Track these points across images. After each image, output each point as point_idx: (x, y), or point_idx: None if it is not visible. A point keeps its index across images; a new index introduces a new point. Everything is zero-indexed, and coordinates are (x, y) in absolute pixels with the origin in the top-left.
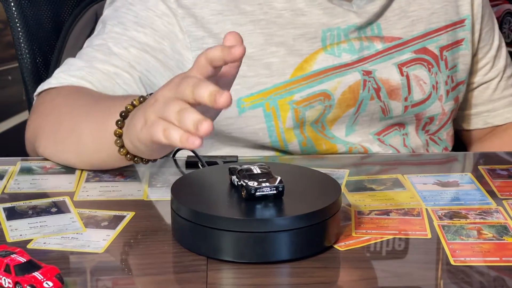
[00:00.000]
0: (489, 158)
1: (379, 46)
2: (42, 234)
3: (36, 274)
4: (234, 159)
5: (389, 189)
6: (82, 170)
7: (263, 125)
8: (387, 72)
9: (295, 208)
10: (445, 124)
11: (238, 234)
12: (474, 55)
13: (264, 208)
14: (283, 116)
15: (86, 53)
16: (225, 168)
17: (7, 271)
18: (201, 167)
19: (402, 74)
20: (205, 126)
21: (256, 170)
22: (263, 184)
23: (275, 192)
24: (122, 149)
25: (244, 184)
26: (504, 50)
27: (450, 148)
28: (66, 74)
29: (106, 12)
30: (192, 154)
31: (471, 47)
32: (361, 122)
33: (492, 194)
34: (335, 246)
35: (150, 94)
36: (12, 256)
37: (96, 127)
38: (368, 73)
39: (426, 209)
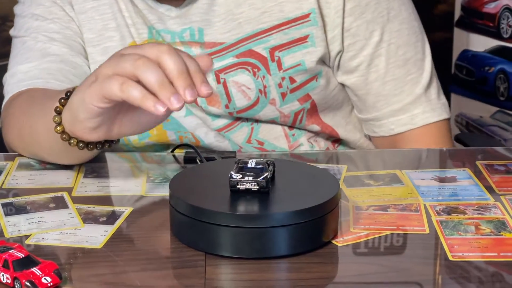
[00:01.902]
0: (487, 154)
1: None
2: (40, 229)
3: (35, 269)
4: (232, 155)
5: (387, 185)
6: (80, 165)
7: None
8: None
9: (293, 203)
10: (294, 124)
11: (236, 229)
12: (341, 51)
13: (262, 203)
14: None
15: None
16: (223, 163)
17: (5, 266)
18: (199, 163)
19: (218, 82)
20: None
21: (252, 164)
22: (246, 178)
23: (257, 187)
24: (58, 127)
25: (229, 176)
26: (392, 48)
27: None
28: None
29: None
30: (191, 150)
31: (322, 43)
32: (194, 120)
33: (490, 189)
34: (333, 241)
35: None
36: (11, 251)
37: (46, 122)
38: None
39: (424, 205)
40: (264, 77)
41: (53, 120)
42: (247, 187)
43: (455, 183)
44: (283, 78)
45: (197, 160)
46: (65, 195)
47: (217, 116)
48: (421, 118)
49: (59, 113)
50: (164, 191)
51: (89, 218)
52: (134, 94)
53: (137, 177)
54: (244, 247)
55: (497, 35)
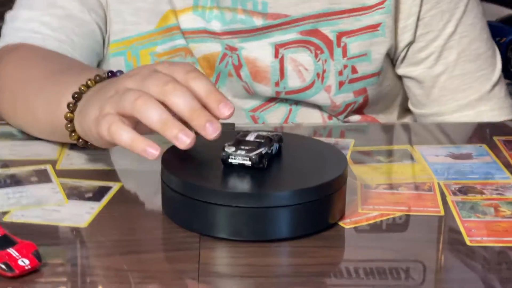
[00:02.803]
0: (505, 129)
1: (258, 22)
2: (20, 205)
3: (11, 250)
4: (231, 128)
5: (398, 161)
6: None
7: None
8: (257, 51)
9: (297, 182)
10: (339, 115)
11: (234, 209)
12: (412, 42)
13: (263, 181)
14: None
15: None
16: (224, 135)
17: None
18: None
19: (276, 56)
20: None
21: (251, 137)
22: (239, 152)
23: (249, 162)
24: (73, 134)
25: (222, 148)
26: (465, 41)
27: None
28: (14, 30)
29: None
30: None
31: (390, 34)
32: (228, 96)
33: (509, 167)
34: (340, 223)
35: (109, 72)
36: None
37: (48, 107)
38: (233, 49)
39: (438, 184)
40: (325, 61)
41: (65, 127)
42: (239, 161)
43: (471, 160)
44: (345, 66)
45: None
46: (49, 168)
47: (255, 94)
48: (488, 115)
49: (70, 120)
50: (156, 166)
51: (74, 194)
52: (123, 138)
53: (128, 150)
54: (242, 228)
55: (509, 3)
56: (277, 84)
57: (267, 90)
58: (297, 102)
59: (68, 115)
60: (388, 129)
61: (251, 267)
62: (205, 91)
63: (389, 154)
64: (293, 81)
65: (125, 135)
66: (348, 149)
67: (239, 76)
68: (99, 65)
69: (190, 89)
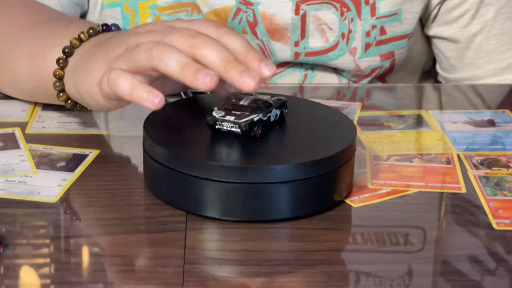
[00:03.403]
0: None
1: None
2: None
3: None
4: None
5: (411, 128)
6: None
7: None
8: (276, 7)
9: (299, 153)
10: (361, 80)
11: (226, 184)
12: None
13: (260, 153)
14: (142, 21)
15: None
16: (216, 99)
17: None
18: (184, 96)
19: (297, 13)
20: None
21: (246, 101)
22: (228, 117)
23: (239, 129)
24: (61, 94)
25: (209, 112)
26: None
27: None
28: None
29: None
30: None
31: None
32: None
33: None
34: (347, 201)
35: (103, 26)
36: None
37: (31, 62)
38: (248, 3)
39: (458, 155)
40: (352, 20)
41: (53, 86)
42: (227, 128)
43: (494, 128)
44: (373, 26)
45: (181, 94)
46: (17, 131)
47: (272, 54)
48: None
49: (59, 78)
50: (140, 131)
51: (44, 163)
52: (121, 85)
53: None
54: (235, 207)
55: None
56: (296, 44)
57: (285, 50)
58: (313, 67)
59: (58, 72)
60: (398, 91)
61: (245, 252)
62: (242, 48)
63: (401, 120)
64: (315, 41)
65: (123, 82)
66: (355, 113)
67: (254, 33)
68: (83, 17)
69: (226, 46)
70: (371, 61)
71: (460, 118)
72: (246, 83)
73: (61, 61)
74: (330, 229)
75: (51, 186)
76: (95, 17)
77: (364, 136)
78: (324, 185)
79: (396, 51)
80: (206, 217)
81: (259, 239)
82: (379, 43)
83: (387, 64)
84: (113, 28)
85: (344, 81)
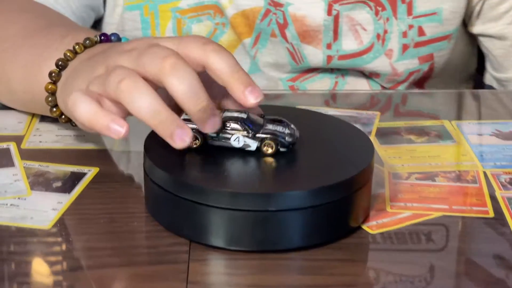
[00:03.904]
0: None
1: None
2: None
3: None
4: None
5: (433, 142)
6: None
7: (138, 33)
8: (307, 8)
9: (311, 178)
10: (398, 86)
11: (232, 212)
12: None
13: (269, 177)
14: (163, 25)
15: None
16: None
17: None
18: None
19: (329, 13)
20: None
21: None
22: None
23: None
24: (55, 109)
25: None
26: None
27: None
28: None
29: None
30: None
31: None
32: (265, 64)
33: None
34: (364, 226)
35: (102, 36)
36: None
37: (26, 75)
38: (277, 4)
39: (484, 173)
40: (388, 19)
41: (46, 101)
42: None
43: None
44: (410, 26)
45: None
46: (12, 147)
47: (302, 60)
48: None
49: (52, 93)
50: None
51: (39, 183)
52: (81, 111)
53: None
54: (242, 236)
55: None
56: (329, 46)
57: (316, 53)
58: (344, 74)
59: (50, 86)
60: (421, 97)
61: (254, 287)
62: (228, 69)
63: (422, 131)
64: (348, 43)
65: (82, 108)
66: (373, 124)
67: (284, 36)
68: (99, 21)
69: (208, 66)
70: (409, 64)
71: (485, 129)
72: (208, 130)
73: (53, 74)
74: (345, 260)
75: (45, 210)
76: (114, 20)
77: (382, 150)
78: (339, 211)
79: (436, 53)
80: (211, 246)
81: (268, 271)
82: (418, 44)
83: (425, 67)
84: (112, 38)
85: (377, 87)
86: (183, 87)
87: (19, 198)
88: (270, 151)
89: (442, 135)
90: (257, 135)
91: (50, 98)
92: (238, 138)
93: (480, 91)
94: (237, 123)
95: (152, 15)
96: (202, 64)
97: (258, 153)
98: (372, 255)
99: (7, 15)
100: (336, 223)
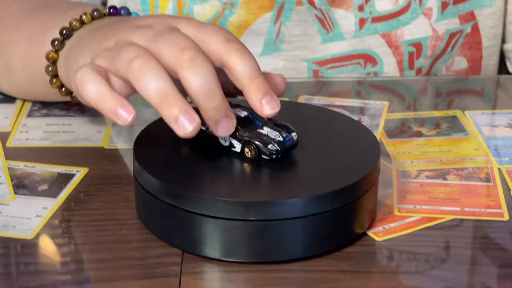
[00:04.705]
0: None
1: None
2: None
3: None
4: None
5: (445, 135)
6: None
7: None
8: None
9: (311, 184)
10: (442, 55)
11: (228, 222)
12: None
13: (267, 184)
14: (162, 6)
15: None
16: None
17: None
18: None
19: None
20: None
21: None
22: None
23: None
24: (55, 80)
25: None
26: None
27: None
28: None
29: None
30: None
31: None
32: (290, 39)
33: None
34: (370, 232)
35: (111, 8)
36: None
37: (28, 48)
38: None
39: (499, 169)
40: None
41: (46, 71)
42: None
43: None
44: None
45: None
46: None
47: (333, 27)
48: None
49: (53, 62)
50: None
51: (23, 186)
52: (89, 90)
53: (101, 116)
54: (238, 246)
55: None
56: (361, 8)
57: (348, 17)
58: (376, 72)
59: (51, 55)
60: (429, 84)
61: None
62: (249, 73)
63: (433, 123)
64: (382, 4)
65: (91, 87)
66: (381, 116)
67: (311, 2)
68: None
69: (228, 65)
70: (449, 23)
71: (500, 120)
72: (220, 132)
73: (56, 42)
74: (349, 272)
75: (29, 217)
76: (115, 1)
77: (391, 145)
78: (343, 218)
79: (476, 11)
80: (205, 257)
81: (266, 286)
82: (457, 1)
83: (468, 28)
84: (122, 12)
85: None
86: (199, 82)
87: (1, 204)
88: (249, 155)
89: (454, 127)
90: (242, 136)
91: (50, 68)
92: (224, 137)
93: (496, 76)
94: None
95: None
96: (221, 61)
97: (257, 159)
98: (378, 266)
99: None
100: (339, 231)
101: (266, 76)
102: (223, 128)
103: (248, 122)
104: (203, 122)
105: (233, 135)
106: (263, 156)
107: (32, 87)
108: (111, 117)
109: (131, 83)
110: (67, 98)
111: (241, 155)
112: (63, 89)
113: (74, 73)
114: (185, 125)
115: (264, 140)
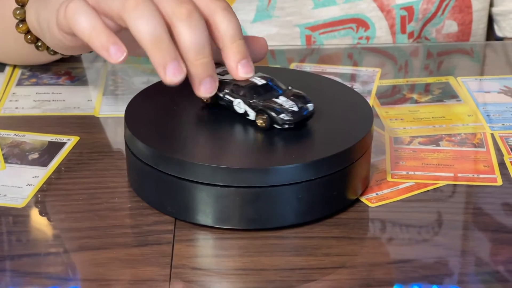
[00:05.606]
0: None
1: None
2: None
3: None
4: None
5: (438, 101)
6: (14, 66)
7: None
8: None
9: (304, 150)
10: (432, 18)
11: (221, 188)
12: None
13: (260, 150)
14: None
15: None
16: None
17: None
18: None
19: None
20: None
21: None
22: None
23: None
24: (21, 25)
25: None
26: None
27: None
28: None
29: None
30: None
31: None
32: (281, 5)
33: None
34: (363, 199)
35: None
36: None
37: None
38: None
39: (492, 135)
40: None
41: (13, 14)
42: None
43: None
44: None
45: None
46: None
47: None
48: None
49: (22, 4)
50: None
51: (14, 155)
52: (81, 23)
53: (92, 85)
54: (231, 213)
55: None
56: None
57: None
58: (368, 37)
59: None
60: (420, 51)
61: (243, 271)
62: (232, 33)
63: (426, 89)
64: None
65: (84, 20)
66: (373, 82)
67: None
68: None
69: (214, 21)
70: None
71: (493, 86)
72: (201, 92)
73: None
74: (342, 238)
75: (20, 185)
76: None
77: (383, 111)
78: (335, 185)
79: None
80: (197, 224)
81: (259, 252)
82: None
83: None
84: None
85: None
86: (193, 36)
87: None
88: (260, 124)
89: (447, 93)
90: (257, 104)
91: (18, 11)
92: (240, 103)
93: (488, 42)
94: (244, 89)
95: None
96: (207, 17)
97: (251, 126)
98: (371, 232)
99: None
100: (332, 197)
101: (250, 39)
102: (206, 88)
103: (267, 89)
104: (221, 88)
105: (248, 103)
106: (275, 126)
107: (4, 43)
108: (102, 53)
109: (124, 22)
110: (41, 57)
111: (248, 123)
112: (29, 36)
113: (64, 5)
114: (173, 73)
115: (278, 109)
